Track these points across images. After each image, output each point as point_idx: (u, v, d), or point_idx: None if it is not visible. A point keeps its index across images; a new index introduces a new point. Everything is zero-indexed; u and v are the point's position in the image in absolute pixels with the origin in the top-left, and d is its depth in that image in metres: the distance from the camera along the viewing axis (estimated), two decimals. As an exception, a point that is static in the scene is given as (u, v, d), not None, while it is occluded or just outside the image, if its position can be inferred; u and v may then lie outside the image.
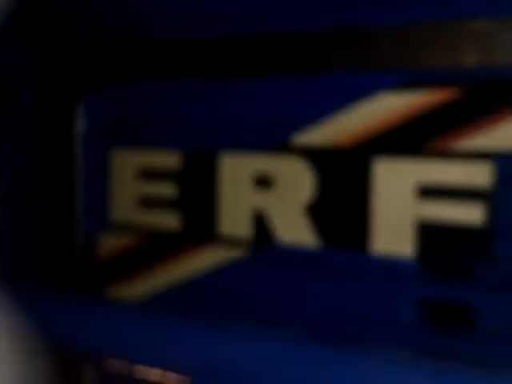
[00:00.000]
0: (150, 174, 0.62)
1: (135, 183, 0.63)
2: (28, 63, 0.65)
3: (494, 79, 0.49)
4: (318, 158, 0.55)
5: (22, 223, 0.68)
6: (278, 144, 0.57)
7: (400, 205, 0.52)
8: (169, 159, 0.61)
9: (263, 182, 0.57)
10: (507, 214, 0.49)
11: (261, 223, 0.58)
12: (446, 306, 0.52)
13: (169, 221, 0.61)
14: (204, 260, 0.60)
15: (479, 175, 0.50)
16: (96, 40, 0.64)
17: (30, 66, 0.66)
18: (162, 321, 0.60)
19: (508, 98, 0.49)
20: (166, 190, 0.61)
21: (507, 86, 0.49)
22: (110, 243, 0.65)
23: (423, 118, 0.51)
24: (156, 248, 0.62)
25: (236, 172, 0.58)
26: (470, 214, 0.50)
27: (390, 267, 0.53)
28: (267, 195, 0.57)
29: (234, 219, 0.59)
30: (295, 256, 0.56)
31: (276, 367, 0.56)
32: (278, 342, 0.56)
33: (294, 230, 0.56)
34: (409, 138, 0.52)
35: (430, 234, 0.52)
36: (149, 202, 0.62)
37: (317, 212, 0.56)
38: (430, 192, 0.52)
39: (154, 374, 0.58)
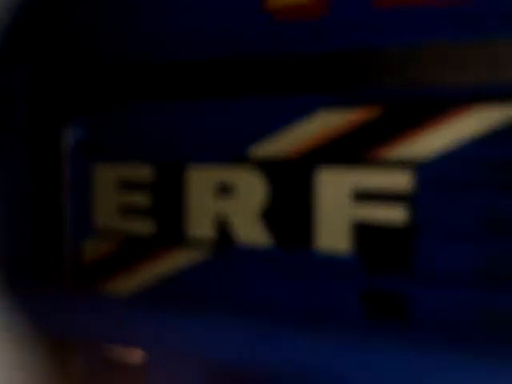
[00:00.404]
0: (127, 186, 0.70)
1: (115, 194, 0.71)
2: (21, 88, 0.74)
3: (414, 98, 0.57)
4: (271, 168, 0.63)
5: (20, 232, 0.77)
6: (237, 157, 0.65)
7: (339, 208, 0.60)
8: (143, 172, 0.69)
9: (224, 190, 0.65)
10: (426, 214, 0.57)
11: (223, 227, 0.66)
12: (382, 296, 0.59)
13: (144, 226, 0.69)
14: (175, 260, 0.68)
15: (402, 181, 0.57)
16: (80, 68, 0.73)
17: (22, 91, 0.74)
18: (139, 311, 0.68)
19: (425, 114, 0.56)
20: (141, 199, 0.69)
21: (424, 104, 0.56)
22: (94, 248, 0.73)
23: (356, 132, 0.59)
24: (133, 251, 0.70)
25: (201, 182, 0.66)
26: (396, 215, 0.58)
27: (332, 262, 0.61)
28: (228, 202, 0.65)
29: (200, 224, 0.67)
30: (252, 255, 0.64)
31: (241, 351, 0.64)
32: (244, 330, 0.64)
33: (251, 232, 0.64)
34: (345, 150, 0.60)
35: (364, 233, 0.60)
36: (126, 211, 0.71)
37: (270, 216, 0.63)
38: (363, 196, 0.59)
39: (134, 356, 0.66)
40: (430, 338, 0.57)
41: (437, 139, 0.56)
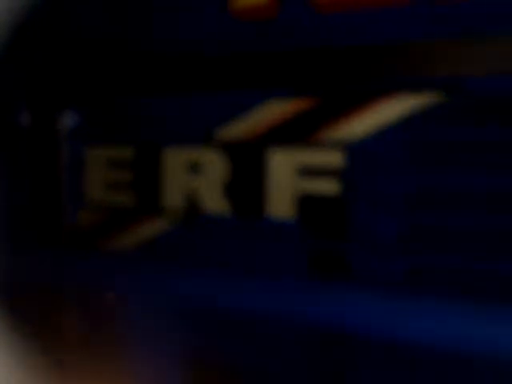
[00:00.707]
0: (113, 164, 0.83)
1: (103, 172, 0.83)
2: (21, 81, 0.87)
3: (346, 90, 0.68)
4: (232, 149, 0.75)
5: (23, 206, 0.90)
6: (205, 139, 0.77)
7: (285, 182, 0.72)
8: (126, 152, 0.82)
9: (194, 168, 0.77)
10: (356, 188, 0.69)
11: (192, 199, 0.78)
12: (323, 255, 0.71)
13: (127, 199, 0.82)
14: (153, 226, 0.80)
15: (337, 159, 0.69)
16: (76, 62, 0.85)
17: (22, 84, 0.87)
18: (124, 265, 0.82)
19: (356, 102, 0.68)
20: (124, 176, 0.82)
21: (355, 94, 0.68)
22: (87, 216, 0.85)
23: (300, 118, 0.71)
24: (119, 220, 0.83)
25: (175, 161, 0.78)
26: (331, 188, 0.70)
27: (281, 228, 0.73)
28: (196, 178, 0.77)
29: (173, 196, 0.79)
30: (216, 222, 0.76)
31: (206, 297, 0.76)
32: (208, 279, 0.76)
33: (215, 203, 0.76)
34: (291, 133, 0.71)
35: (306, 203, 0.71)
36: (112, 186, 0.83)
37: (230, 189, 0.75)
38: (305, 172, 0.71)
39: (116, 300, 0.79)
40: (365, 287, 0.68)
41: (366, 123, 0.67)
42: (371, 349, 0.66)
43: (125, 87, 0.81)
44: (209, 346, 0.73)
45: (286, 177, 0.71)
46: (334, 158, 0.69)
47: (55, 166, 0.86)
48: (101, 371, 0.78)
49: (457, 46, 0.64)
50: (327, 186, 0.69)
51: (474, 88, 0.63)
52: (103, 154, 0.83)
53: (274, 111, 0.72)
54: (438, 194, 0.65)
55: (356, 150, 0.68)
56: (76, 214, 0.86)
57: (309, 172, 0.70)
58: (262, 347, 0.71)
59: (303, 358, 0.70)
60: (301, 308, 0.70)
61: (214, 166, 0.76)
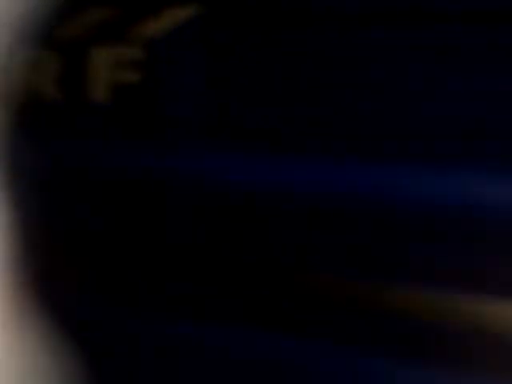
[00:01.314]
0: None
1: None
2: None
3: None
4: (63, 47, 0.91)
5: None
6: (42, 41, 0.93)
7: (105, 72, 0.88)
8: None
9: (35, 65, 0.94)
10: (161, 76, 0.86)
11: (33, 90, 0.94)
12: (138, 129, 0.88)
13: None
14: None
15: (142, 53, 0.86)
16: None
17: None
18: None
19: (152, 10, 0.85)
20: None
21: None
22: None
23: (114, 22, 0.87)
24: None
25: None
26: (138, 77, 0.87)
27: (103, 109, 0.90)
28: (37, 73, 0.93)
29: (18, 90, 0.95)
30: (50, 108, 0.93)
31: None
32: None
33: (52, 92, 0.92)
34: (109, 33, 0.88)
35: (122, 89, 0.88)
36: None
37: (63, 80, 0.92)
38: (122, 65, 0.88)
39: None
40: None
41: (162, 25, 0.85)
42: (182, 193, 0.85)
43: None
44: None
45: (105, 68, 0.88)
46: (140, 53, 0.86)
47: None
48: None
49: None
50: (136, 76, 0.87)
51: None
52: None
53: (94, 17, 0.88)
54: (222, 80, 0.83)
55: (158, 45, 0.85)
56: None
57: (122, 64, 0.87)
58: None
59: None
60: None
61: (50, 62, 0.92)
